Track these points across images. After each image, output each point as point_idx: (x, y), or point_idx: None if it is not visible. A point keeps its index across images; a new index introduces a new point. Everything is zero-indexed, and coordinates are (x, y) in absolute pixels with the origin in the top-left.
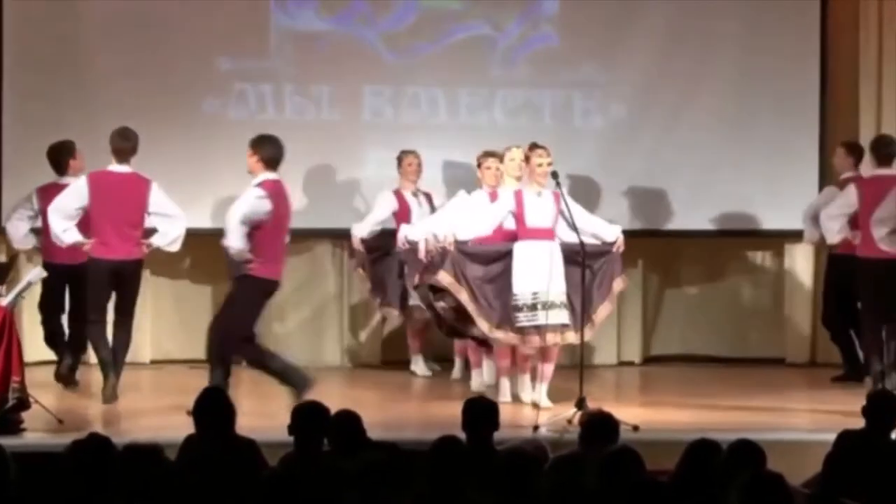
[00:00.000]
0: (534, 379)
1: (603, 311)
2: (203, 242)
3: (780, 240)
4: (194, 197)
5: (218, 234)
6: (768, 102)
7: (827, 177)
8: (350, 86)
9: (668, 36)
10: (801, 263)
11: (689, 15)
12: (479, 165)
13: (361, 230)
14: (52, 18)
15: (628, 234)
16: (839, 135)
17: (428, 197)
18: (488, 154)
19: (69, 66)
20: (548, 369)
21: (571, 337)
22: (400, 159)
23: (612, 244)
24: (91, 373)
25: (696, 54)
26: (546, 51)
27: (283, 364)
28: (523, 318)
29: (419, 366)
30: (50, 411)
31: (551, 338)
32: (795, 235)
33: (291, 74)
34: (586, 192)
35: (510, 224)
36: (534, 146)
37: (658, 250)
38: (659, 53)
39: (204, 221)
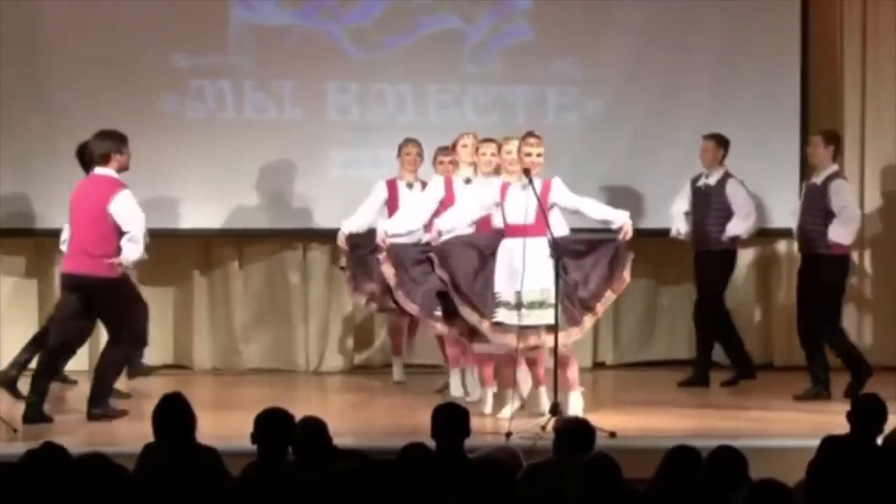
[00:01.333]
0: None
1: (606, 301)
2: (159, 243)
3: (764, 238)
4: (151, 196)
5: (175, 234)
6: (748, 98)
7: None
8: (313, 82)
9: (646, 30)
10: (788, 262)
11: (667, 8)
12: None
13: (348, 225)
14: (7, 17)
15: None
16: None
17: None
18: (444, 148)
19: (23, 64)
20: (538, 372)
21: (550, 340)
22: (400, 148)
23: (619, 231)
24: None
25: (676, 48)
26: (519, 45)
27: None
28: (503, 316)
29: (396, 370)
30: (4, 420)
31: (532, 339)
32: (778, 234)
33: (252, 70)
34: None
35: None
36: (528, 135)
37: (636, 249)
38: (637, 48)
39: (161, 222)
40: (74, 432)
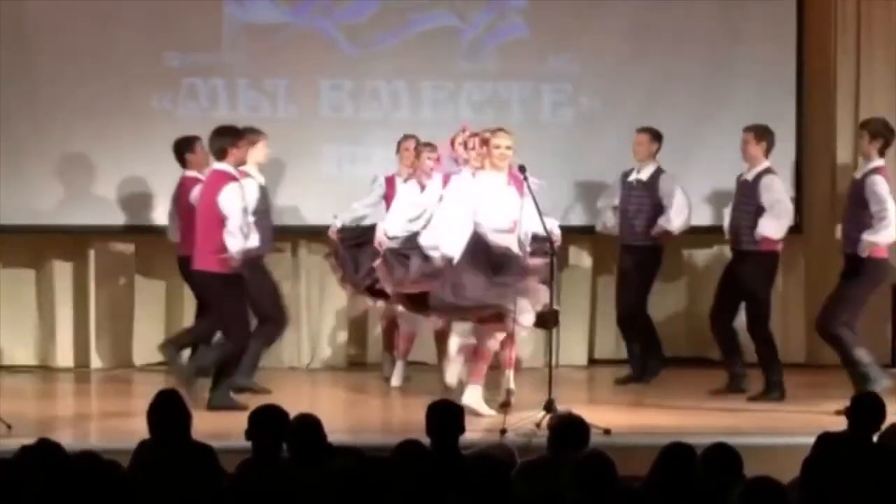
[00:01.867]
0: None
1: None
2: (155, 241)
3: None
4: (143, 194)
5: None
6: (743, 94)
7: (803, 170)
8: (307, 80)
9: (640, 27)
10: (786, 259)
11: (663, 5)
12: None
13: (342, 219)
14: (1, 15)
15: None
16: (816, 125)
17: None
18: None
19: (15, 62)
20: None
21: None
22: (399, 144)
23: None
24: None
25: (671, 44)
26: (514, 42)
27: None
28: None
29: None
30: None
31: None
32: None
33: (245, 68)
34: (556, 187)
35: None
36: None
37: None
38: (631, 45)
39: (154, 219)
40: (70, 429)
